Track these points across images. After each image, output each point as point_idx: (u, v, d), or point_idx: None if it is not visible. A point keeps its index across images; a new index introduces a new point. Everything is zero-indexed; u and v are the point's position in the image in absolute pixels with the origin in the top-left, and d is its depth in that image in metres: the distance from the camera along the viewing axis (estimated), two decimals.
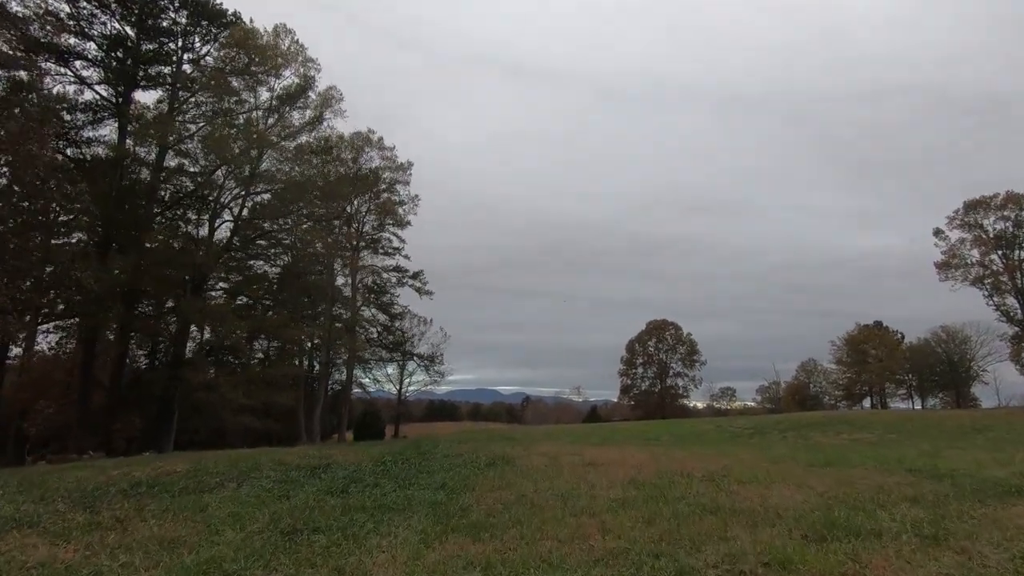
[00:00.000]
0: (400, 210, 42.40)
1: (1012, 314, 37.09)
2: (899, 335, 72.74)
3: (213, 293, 33.66)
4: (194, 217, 25.29)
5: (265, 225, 28.34)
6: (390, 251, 48.07)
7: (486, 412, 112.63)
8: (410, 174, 41.52)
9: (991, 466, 9.78)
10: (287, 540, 4.80)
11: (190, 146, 23.30)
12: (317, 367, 40.40)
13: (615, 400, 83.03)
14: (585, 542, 5.13)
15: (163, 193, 24.14)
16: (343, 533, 5.04)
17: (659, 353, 74.30)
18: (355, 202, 43.50)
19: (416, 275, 48.94)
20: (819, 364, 76.49)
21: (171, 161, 24.08)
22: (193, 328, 28.43)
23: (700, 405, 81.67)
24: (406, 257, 48.41)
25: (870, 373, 67.11)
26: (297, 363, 39.54)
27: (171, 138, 22.42)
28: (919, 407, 67.06)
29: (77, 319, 21.38)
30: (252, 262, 36.01)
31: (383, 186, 44.32)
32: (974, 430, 24.62)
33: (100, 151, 22.50)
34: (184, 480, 7.46)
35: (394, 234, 47.79)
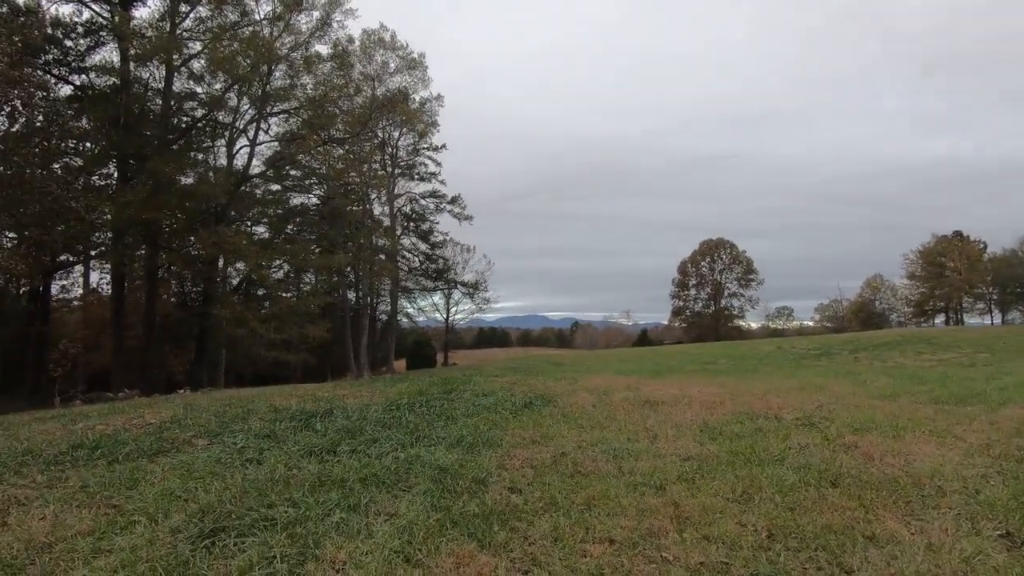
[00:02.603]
0: (423, 115, 39.58)
1: None
2: (981, 245, 66.52)
3: (258, 228, 33.08)
4: (208, 144, 23.85)
5: (299, 157, 26.70)
6: (426, 176, 46.08)
7: (536, 338, 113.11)
8: (427, 68, 38.36)
9: None
10: (202, 547, 3.23)
11: (196, 66, 21.48)
12: (355, 299, 39.88)
13: (665, 323, 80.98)
14: (655, 542, 3.36)
15: (174, 120, 22.65)
16: (290, 533, 3.44)
17: (713, 273, 70.95)
18: (387, 126, 41.26)
19: (454, 200, 47.03)
20: (886, 280, 71.48)
21: (180, 86, 22.41)
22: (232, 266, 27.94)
23: (754, 325, 78.56)
24: (442, 182, 46.38)
25: (947, 287, 62.00)
26: (339, 294, 39.13)
27: (175, 58, 20.63)
28: (998, 323, 62.15)
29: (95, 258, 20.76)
30: (289, 195, 35.02)
31: (415, 105, 41.63)
32: None
33: (104, 79, 21.01)
34: (147, 437, 6.12)
35: (429, 158, 45.60)
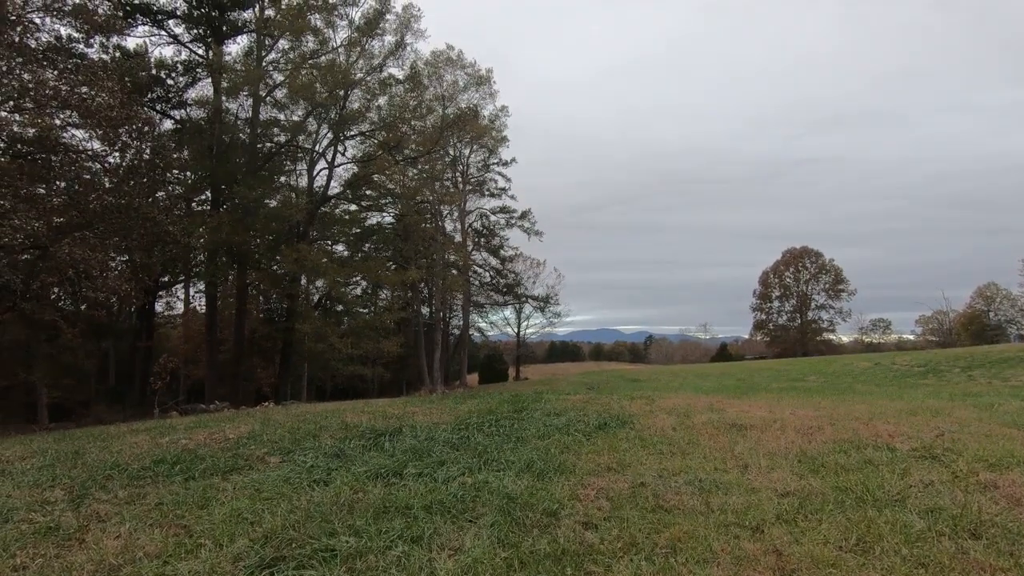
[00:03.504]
0: (492, 130, 39.96)
1: None
2: None
3: (337, 247, 34.70)
4: (291, 168, 25.19)
5: (375, 177, 27.71)
6: (496, 192, 46.57)
7: (608, 352, 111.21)
8: (494, 83, 38.75)
9: None
10: None
11: (279, 95, 22.80)
12: (428, 314, 40.63)
13: (746, 336, 77.01)
14: None
15: (260, 147, 24.12)
16: (349, 567, 3.24)
17: (798, 284, 66.80)
18: (457, 144, 42.13)
19: (524, 215, 47.20)
20: (1002, 288, 64.34)
21: (265, 115, 23.87)
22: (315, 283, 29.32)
23: (846, 339, 72.97)
24: (512, 197, 46.68)
25: None
26: (412, 310, 40.09)
27: (261, 88, 22.00)
28: None
29: (192, 277, 22.29)
30: (365, 214, 36.47)
31: (485, 122, 42.27)
32: None
33: (200, 112, 22.77)
34: (223, 453, 6.24)
35: (500, 174, 46.11)
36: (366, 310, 32.79)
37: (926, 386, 19.05)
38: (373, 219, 37.52)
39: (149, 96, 21.89)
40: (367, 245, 37.33)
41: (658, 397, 11.61)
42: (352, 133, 24.92)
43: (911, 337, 72.04)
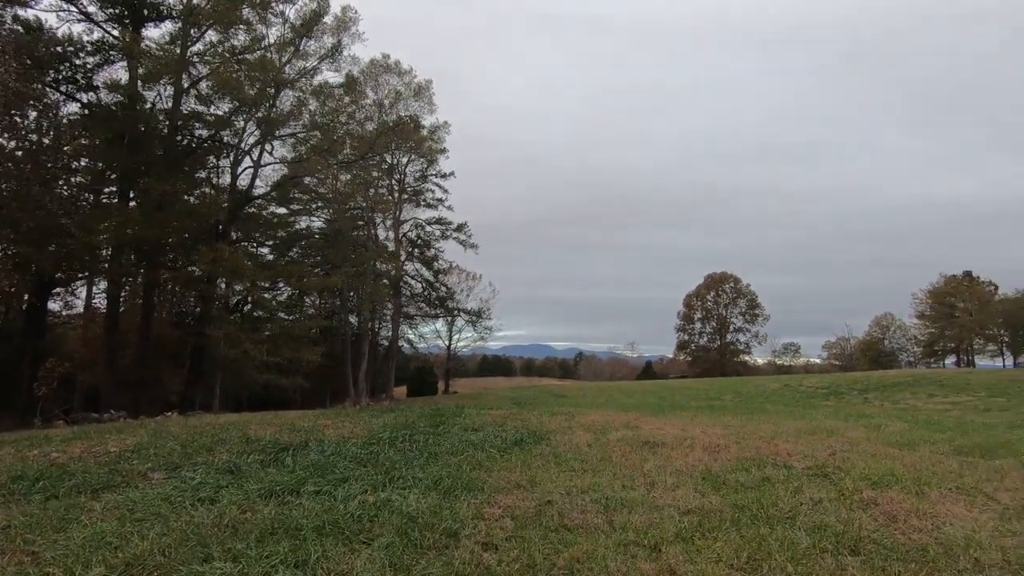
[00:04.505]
0: (431, 142, 39.74)
1: None
2: (992, 287, 65.70)
3: (263, 250, 33.07)
4: (213, 164, 23.84)
5: (305, 179, 26.73)
6: (432, 203, 46.10)
7: (539, 367, 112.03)
8: (433, 94, 38.64)
9: None
10: None
11: (204, 88, 21.58)
12: (356, 323, 39.46)
13: (671, 356, 79.91)
14: None
15: (180, 140, 22.68)
16: None
17: (718, 307, 70.24)
18: (395, 151, 41.50)
19: (460, 227, 46.95)
20: (896, 319, 70.46)
21: (187, 107, 22.50)
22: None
23: (760, 361, 77.33)
24: (449, 208, 46.37)
25: (957, 328, 60.97)
26: (339, 318, 38.79)
27: (184, 79, 20.74)
28: (1009, 365, 60.90)
29: (95, 275, 20.54)
30: (294, 218, 35.13)
31: (424, 132, 41.92)
32: None
33: (112, 97, 21.13)
34: (100, 468, 5.65)
35: (437, 185, 45.74)
36: (290, 317, 31.36)
37: (827, 407, 20.36)
38: (302, 223, 36.22)
39: (52, 76, 20.11)
40: (294, 250, 35.91)
41: (579, 413, 11.70)
42: (282, 133, 23.96)
43: (818, 361, 77.39)
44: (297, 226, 35.54)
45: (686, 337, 71.91)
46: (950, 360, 66.24)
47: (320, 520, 4.13)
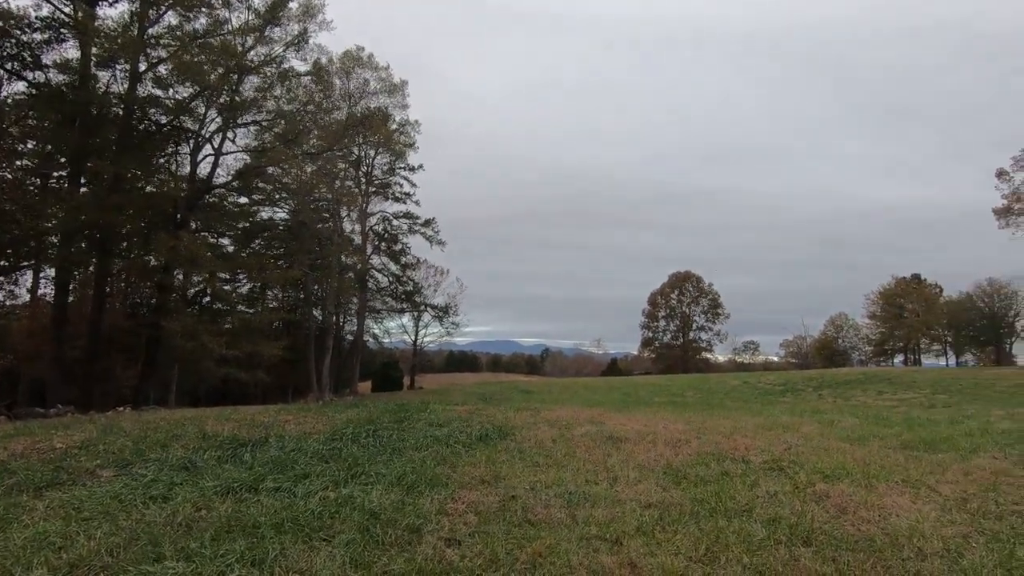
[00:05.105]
0: (400, 137, 39.24)
1: None
2: (937, 288, 68.93)
3: (223, 241, 32.04)
4: (172, 150, 22.97)
5: (269, 169, 26.04)
6: (400, 196, 45.59)
7: (506, 363, 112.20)
8: (407, 95, 38.24)
9: None
10: None
11: (163, 72, 20.77)
12: (320, 317, 38.77)
13: (635, 353, 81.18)
14: None
15: (136, 124, 21.76)
16: None
17: (682, 306, 71.70)
18: (363, 144, 40.83)
19: (428, 222, 46.54)
20: (850, 319, 73.29)
21: (145, 91, 21.58)
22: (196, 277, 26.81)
23: (722, 359, 79.34)
24: (416, 203, 45.94)
25: (905, 328, 63.78)
26: (302, 312, 38.03)
27: (142, 62, 19.90)
28: (952, 364, 64.08)
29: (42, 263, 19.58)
30: (257, 208, 34.16)
31: (393, 126, 41.37)
32: None
33: (63, 77, 20.09)
34: (44, 466, 5.40)
35: (405, 178, 45.25)
36: (251, 310, 30.55)
37: (784, 403, 21.06)
38: (265, 214, 35.28)
39: None
40: (256, 241, 34.98)
41: (544, 409, 11.77)
42: (245, 121, 23.25)
43: (776, 359, 79.86)
44: (259, 217, 34.61)
45: (651, 334, 73.21)
46: (898, 359, 69.31)
47: (279, 517, 4.04)
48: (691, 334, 71.44)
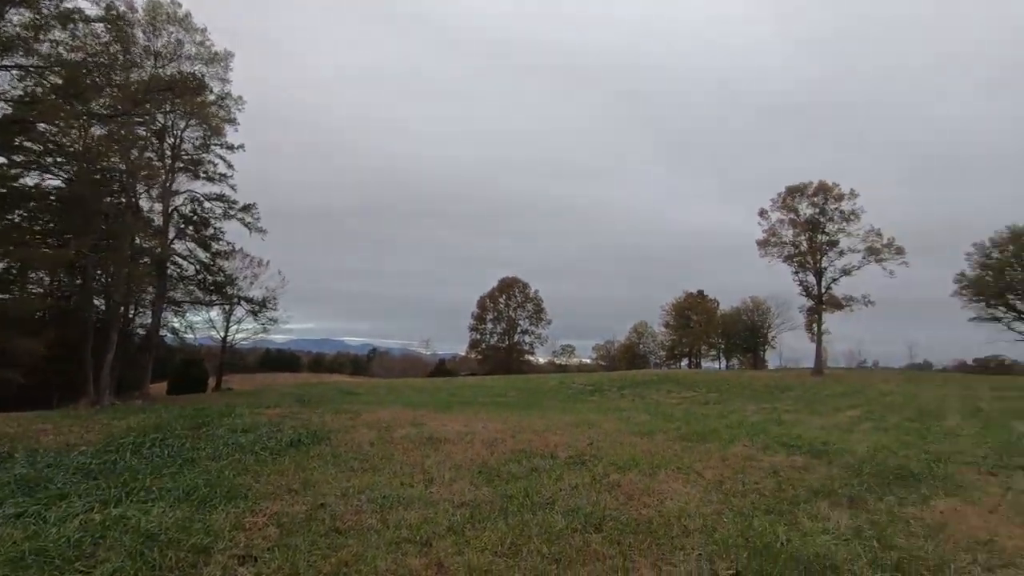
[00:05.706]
0: (219, 111, 35.16)
1: (810, 289, 42.06)
2: (715, 303, 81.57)
3: None
4: None
5: (40, 126, 21.34)
6: (215, 176, 40.70)
7: (330, 363, 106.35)
8: (231, 69, 34.42)
9: (835, 432, 9.46)
10: None
11: None
12: (103, 307, 33.05)
13: (463, 354, 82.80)
14: None
15: None
16: None
17: (508, 310, 74.96)
18: (170, 113, 35.72)
19: (247, 208, 42.16)
20: (649, 327, 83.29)
21: None
22: None
23: (542, 360, 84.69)
24: (233, 188, 41.39)
25: (690, 336, 74.37)
26: (80, 301, 32.03)
27: None
28: (723, 367, 76.37)
29: None
30: (20, 171, 27.88)
31: (211, 97, 36.86)
32: (779, 389, 27.25)
33: None
34: None
35: (221, 157, 40.43)
36: (6, 295, 24.83)
37: (592, 402, 23.11)
38: (31, 179, 28.99)
39: None
40: (17, 212, 28.60)
41: (365, 411, 11.44)
42: (8, 63, 18.89)
43: (588, 361, 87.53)
44: (23, 182, 28.35)
45: (478, 336, 75.27)
46: (685, 362, 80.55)
47: (19, 550, 3.34)
48: (516, 336, 75.04)
